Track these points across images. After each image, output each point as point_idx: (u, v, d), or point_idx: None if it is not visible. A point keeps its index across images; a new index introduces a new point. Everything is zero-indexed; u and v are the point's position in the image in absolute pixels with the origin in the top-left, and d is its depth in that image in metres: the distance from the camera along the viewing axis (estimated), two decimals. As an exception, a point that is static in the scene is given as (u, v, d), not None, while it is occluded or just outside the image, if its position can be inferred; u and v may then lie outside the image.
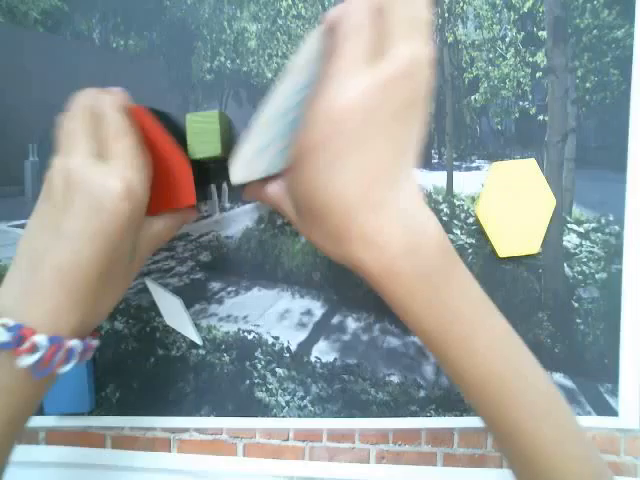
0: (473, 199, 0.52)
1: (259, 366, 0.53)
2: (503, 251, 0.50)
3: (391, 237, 0.29)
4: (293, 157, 0.31)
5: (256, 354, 0.54)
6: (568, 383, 0.50)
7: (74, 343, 0.32)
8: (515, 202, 0.49)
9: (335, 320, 0.53)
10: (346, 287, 0.53)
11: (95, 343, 0.35)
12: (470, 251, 0.51)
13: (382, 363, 0.52)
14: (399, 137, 0.29)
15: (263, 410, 0.53)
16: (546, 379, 0.33)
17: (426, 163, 0.53)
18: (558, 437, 0.32)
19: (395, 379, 0.52)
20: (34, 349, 0.30)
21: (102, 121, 0.35)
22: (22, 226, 0.58)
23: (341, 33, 0.29)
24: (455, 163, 0.53)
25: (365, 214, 0.29)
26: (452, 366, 0.31)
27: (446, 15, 0.52)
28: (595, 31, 0.50)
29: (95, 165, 0.32)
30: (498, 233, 0.49)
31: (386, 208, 0.29)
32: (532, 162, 0.49)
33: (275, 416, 0.53)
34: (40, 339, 0.30)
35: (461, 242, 0.52)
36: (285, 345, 0.53)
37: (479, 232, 0.51)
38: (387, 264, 0.29)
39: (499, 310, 0.32)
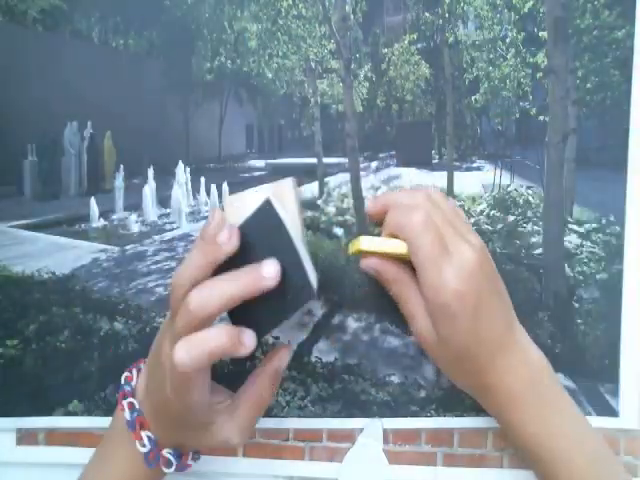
0: (474, 199, 0.52)
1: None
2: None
3: (518, 373, 0.40)
4: (442, 307, 0.38)
5: (256, 354, 0.53)
6: (568, 383, 0.50)
7: (166, 452, 0.41)
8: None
9: (335, 320, 0.53)
10: (346, 287, 0.53)
11: (190, 463, 0.44)
12: (470, 251, 0.51)
13: (382, 363, 0.52)
14: (503, 295, 0.41)
15: (263, 410, 0.53)
16: None
17: (426, 163, 0.53)
18: None
19: (395, 379, 0.52)
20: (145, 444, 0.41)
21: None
22: (21, 226, 0.58)
23: (413, 227, 0.38)
24: (455, 163, 0.53)
25: (502, 354, 0.39)
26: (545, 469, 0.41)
27: (447, 15, 0.52)
28: (595, 32, 0.50)
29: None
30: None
31: (512, 347, 0.40)
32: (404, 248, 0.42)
33: (275, 416, 0.53)
34: (146, 436, 0.41)
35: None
36: (285, 345, 0.53)
37: (480, 232, 0.51)
38: (515, 395, 0.40)
39: None
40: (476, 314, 0.38)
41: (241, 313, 0.36)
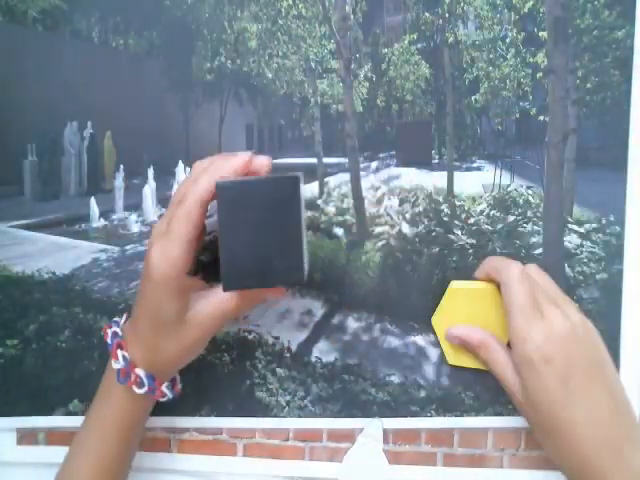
0: (474, 199, 0.52)
1: (259, 366, 0.53)
2: (453, 360, 0.49)
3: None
4: (526, 366, 0.40)
5: (256, 354, 0.53)
6: (568, 383, 0.50)
7: (139, 370, 0.43)
8: (469, 318, 0.48)
9: (335, 320, 0.53)
10: (346, 287, 0.53)
11: (165, 392, 0.45)
12: (471, 251, 0.51)
13: (382, 363, 0.52)
14: (613, 386, 0.40)
15: (263, 410, 0.53)
16: None
17: (426, 163, 0.53)
18: None
19: (395, 379, 0.52)
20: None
21: (180, 204, 0.40)
22: (21, 226, 0.58)
23: (511, 271, 0.42)
24: (455, 163, 0.53)
25: (604, 457, 0.37)
26: None
27: (447, 15, 0.52)
28: (595, 32, 0.50)
29: (156, 239, 0.40)
30: (449, 343, 0.49)
31: (624, 459, 0.37)
32: (492, 289, 0.47)
33: (275, 416, 0.53)
34: (121, 355, 0.43)
35: (462, 242, 0.52)
36: (285, 345, 0.53)
37: (480, 232, 0.51)
38: None
39: None
40: (567, 383, 0.38)
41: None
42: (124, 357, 0.43)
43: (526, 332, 0.39)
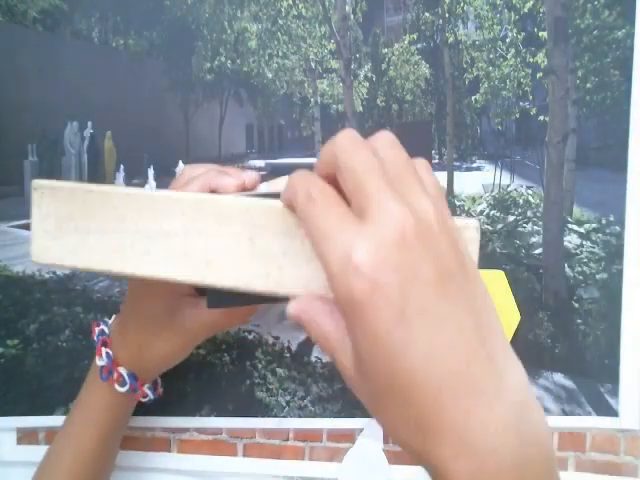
0: (474, 199, 0.52)
1: (259, 366, 0.53)
2: None
3: (497, 442, 0.22)
4: (346, 310, 0.24)
5: (256, 354, 0.54)
6: (568, 383, 0.50)
7: (122, 369, 0.43)
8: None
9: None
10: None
11: (146, 392, 0.45)
12: (470, 251, 0.51)
13: (382, 363, 0.52)
14: (465, 312, 0.23)
15: (263, 410, 0.53)
16: None
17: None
18: None
19: (395, 379, 0.52)
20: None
21: None
22: (22, 226, 0.58)
23: (304, 198, 0.25)
24: (455, 163, 0.53)
25: (462, 401, 0.22)
26: None
27: (447, 15, 0.52)
28: (595, 32, 0.50)
29: None
30: None
31: (489, 397, 0.22)
32: (501, 275, 0.47)
33: (275, 416, 0.53)
34: (105, 352, 0.44)
35: (461, 242, 0.52)
36: (285, 345, 0.53)
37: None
38: (483, 477, 0.22)
39: None
40: (402, 314, 0.22)
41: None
42: (107, 354, 0.43)
43: (341, 250, 0.23)
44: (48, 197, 0.32)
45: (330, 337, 0.25)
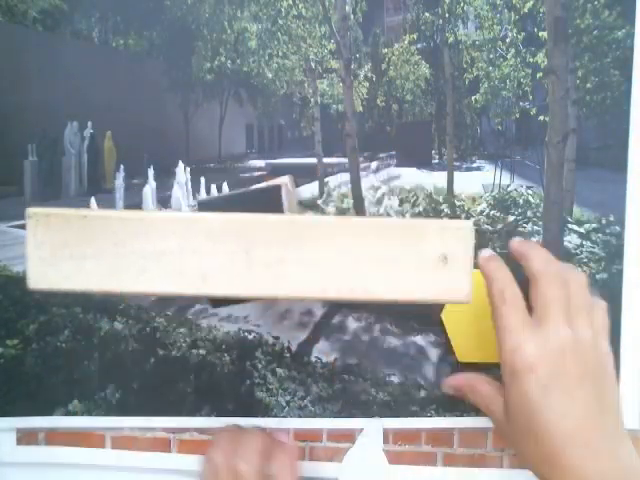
0: (474, 199, 0.52)
1: (259, 366, 0.53)
2: (464, 356, 0.49)
3: None
4: (510, 375, 0.37)
5: (256, 354, 0.53)
6: (568, 383, 0.50)
7: None
8: (480, 311, 0.45)
9: (335, 320, 0.53)
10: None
11: None
12: (470, 251, 0.51)
13: (382, 363, 0.52)
14: (593, 395, 0.36)
15: (263, 410, 0.53)
16: None
17: (426, 163, 0.53)
18: None
19: (395, 379, 0.52)
20: None
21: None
22: (21, 226, 0.58)
23: (499, 295, 0.38)
24: (455, 163, 0.53)
25: (578, 450, 0.35)
26: None
27: (447, 15, 0.52)
28: (595, 32, 0.50)
29: None
30: (460, 339, 0.48)
31: (601, 453, 0.35)
32: None
33: (275, 416, 0.53)
34: None
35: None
36: (285, 345, 0.53)
37: (480, 232, 0.51)
38: None
39: None
40: (545, 390, 0.35)
41: None
42: None
43: (518, 341, 0.36)
44: (42, 225, 0.32)
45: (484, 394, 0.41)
